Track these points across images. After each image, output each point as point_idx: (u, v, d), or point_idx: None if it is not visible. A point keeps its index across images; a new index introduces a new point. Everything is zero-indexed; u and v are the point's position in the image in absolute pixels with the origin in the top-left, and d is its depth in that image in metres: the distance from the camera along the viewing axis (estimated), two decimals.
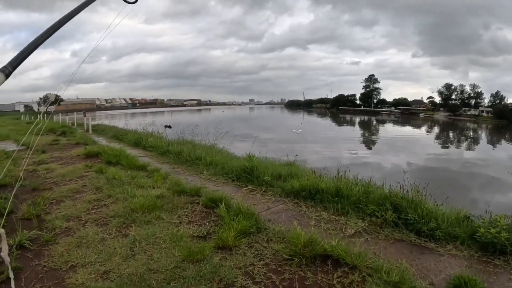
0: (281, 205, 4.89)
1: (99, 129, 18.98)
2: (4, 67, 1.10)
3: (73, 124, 24.92)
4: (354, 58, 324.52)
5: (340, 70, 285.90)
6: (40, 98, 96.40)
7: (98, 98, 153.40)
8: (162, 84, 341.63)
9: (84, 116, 20.45)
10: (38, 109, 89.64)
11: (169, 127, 30.91)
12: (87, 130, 18.82)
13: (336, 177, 5.66)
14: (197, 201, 4.82)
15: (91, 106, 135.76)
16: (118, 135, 14.27)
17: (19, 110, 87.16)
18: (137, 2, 2.18)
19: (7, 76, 1.10)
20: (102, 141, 14.12)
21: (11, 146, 13.62)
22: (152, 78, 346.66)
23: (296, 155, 10.98)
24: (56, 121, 29.29)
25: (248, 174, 6.08)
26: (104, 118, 71.55)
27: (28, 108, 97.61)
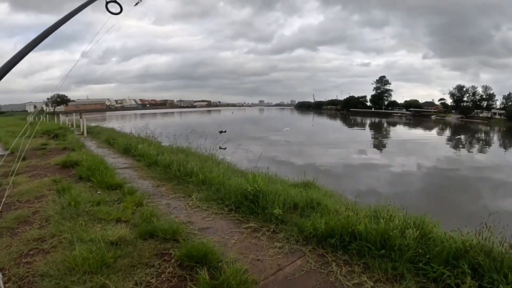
0: (298, 260, 3.25)
1: (95, 132, 17.76)
2: None
3: (72, 125, 23.85)
4: (364, 60, 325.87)
5: (350, 72, 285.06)
6: (48, 99, 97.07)
7: (108, 99, 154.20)
8: (172, 85, 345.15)
9: (81, 118, 19.23)
10: (47, 109, 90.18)
11: (224, 131, 30.12)
12: (83, 133, 17.64)
13: (376, 208, 4.02)
14: (170, 251, 3.27)
15: (101, 107, 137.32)
16: (110, 139, 12.94)
17: (27, 110, 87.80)
18: (121, 13, 2.43)
19: None
20: (92, 146, 12.82)
21: None
22: (162, 79, 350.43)
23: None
24: (57, 122, 28.39)
25: (252, 202, 4.49)
26: (114, 119, 72.85)
27: (37, 108, 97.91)
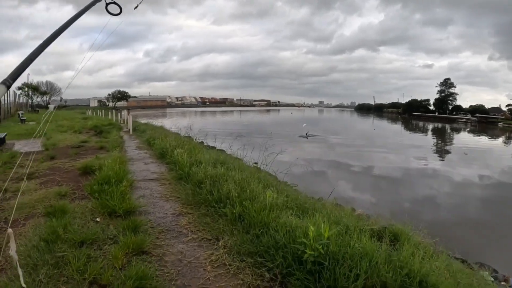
0: None
1: (142, 130, 17.37)
2: (5, 79, 1.26)
3: (123, 121, 24.23)
4: (426, 61, 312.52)
5: (412, 74, 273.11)
6: (109, 94, 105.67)
7: (169, 96, 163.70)
8: (231, 84, 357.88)
9: (128, 114, 19.12)
10: (114, 105, 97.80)
11: (307, 133, 30.70)
12: (130, 130, 17.38)
13: None
14: None
15: (162, 103, 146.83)
16: (151, 139, 12.14)
17: (88, 105, 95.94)
18: (121, 14, 2.71)
19: (8, 87, 1.25)
20: (131, 146, 12.10)
21: (35, 146, 12.51)
22: (221, 78, 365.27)
23: None
24: (110, 117, 29.40)
25: (310, 273, 2.78)
26: (173, 115, 75.95)
27: (101, 103, 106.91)
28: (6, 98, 27.41)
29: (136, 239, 3.54)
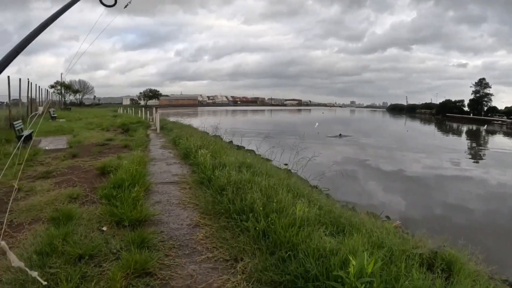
0: None
1: (169, 128, 17.22)
2: None
3: (152, 120, 24.33)
4: (460, 60, 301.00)
5: (446, 73, 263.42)
6: (140, 93, 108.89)
7: (200, 95, 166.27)
8: (262, 83, 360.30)
9: (156, 112, 19.08)
10: (145, 103, 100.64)
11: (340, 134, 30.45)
12: (157, 129, 17.28)
13: None
14: None
15: (193, 102, 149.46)
16: (177, 138, 11.84)
17: (121, 103, 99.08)
18: (116, 5, 2.62)
19: None
20: (156, 145, 11.85)
21: (61, 143, 12.61)
22: (252, 77, 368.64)
23: None
24: (140, 116, 29.74)
25: None
26: (204, 114, 76.49)
27: (133, 101, 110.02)
28: (38, 96, 28.44)
29: (140, 257, 3.05)
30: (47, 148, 11.55)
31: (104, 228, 3.99)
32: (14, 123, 12.54)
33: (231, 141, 17.66)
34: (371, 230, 4.01)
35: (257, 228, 3.62)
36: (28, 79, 22.18)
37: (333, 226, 4.03)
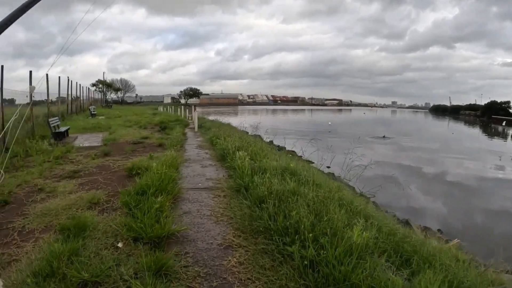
0: None
1: (207, 127, 16.84)
2: None
3: (191, 118, 24.25)
4: (506, 59, 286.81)
5: (491, 72, 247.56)
6: (181, 91, 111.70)
7: (241, 94, 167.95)
8: (302, 82, 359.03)
9: (194, 110, 18.84)
10: (186, 101, 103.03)
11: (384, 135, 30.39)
12: (195, 127, 16.97)
13: None
14: None
15: (233, 101, 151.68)
16: (215, 138, 11.33)
17: (162, 101, 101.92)
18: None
19: None
20: (192, 145, 11.41)
21: (96, 140, 12.57)
22: (292, 77, 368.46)
23: None
24: (179, 114, 29.87)
25: None
26: (244, 113, 76.57)
27: (174, 100, 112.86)
28: (79, 93, 29.37)
29: None
30: (81, 145, 11.49)
31: (119, 245, 3.42)
32: (50, 120, 12.66)
33: (271, 141, 17.12)
34: (443, 262, 3.19)
35: (304, 256, 2.87)
36: (68, 77, 22.86)
37: (396, 255, 3.25)
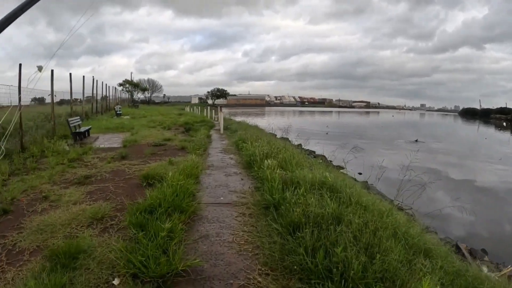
0: None
1: (233, 129, 16.17)
2: None
3: (217, 119, 23.73)
4: None
5: None
6: (208, 92, 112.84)
7: (268, 95, 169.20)
8: (330, 84, 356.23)
9: (220, 111, 18.25)
10: (213, 102, 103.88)
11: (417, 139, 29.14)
12: (220, 129, 16.33)
13: None
14: None
15: (260, 102, 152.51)
16: (241, 141, 10.64)
17: (189, 101, 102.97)
18: None
19: None
20: (216, 148, 10.74)
21: (116, 141, 12.16)
22: (320, 78, 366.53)
23: None
24: (205, 114, 29.48)
25: None
26: (271, 114, 75.91)
27: (201, 100, 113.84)
28: (105, 93, 29.51)
29: None
30: (100, 146, 11.09)
31: (115, 282, 2.72)
32: (69, 119, 12.32)
33: (300, 144, 16.32)
34: None
35: None
36: (93, 76, 22.93)
37: None
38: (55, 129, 12.79)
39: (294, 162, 6.82)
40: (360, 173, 12.14)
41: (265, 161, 6.37)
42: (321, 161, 11.82)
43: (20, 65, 9.93)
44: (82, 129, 12.71)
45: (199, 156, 8.80)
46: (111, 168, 7.50)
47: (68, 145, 10.88)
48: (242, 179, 6.44)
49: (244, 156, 8.27)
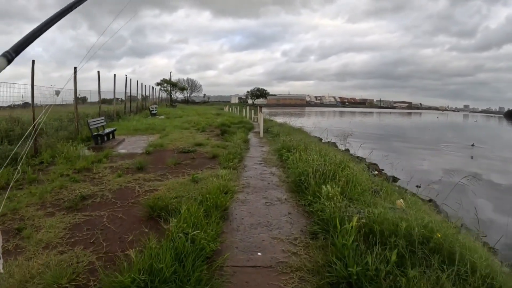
0: None
1: (275, 132, 14.15)
2: (6, 52, 1.15)
3: (257, 120, 21.89)
4: None
5: None
6: (248, 92, 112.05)
7: (308, 95, 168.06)
8: (370, 84, 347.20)
9: (260, 112, 16.37)
10: (252, 102, 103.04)
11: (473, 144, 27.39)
12: (260, 133, 14.39)
13: None
14: None
15: (300, 102, 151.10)
16: (285, 150, 8.76)
17: (229, 101, 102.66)
18: None
19: (9, 61, 1.14)
20: (254, 158, 8.83)
21: (142, 145, 10.67)
22: (360, 78, 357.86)
23: None
24: (244, 115, 27.85)
25: None
26: (312, 114, 73.40)
27: (241, 100, 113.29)
28: (142, 92, 28.71)
29: None
30: (121, 151, 9.64)
31: None
32: (90, 120, 10.95)
33: (347, 149, 14.19)
34: None
35: None
36: (126, 75, 21.97)
37: None
38: (78, 131, 11.50)
39: (360, 188, 4.82)
40: (418, 186, 9.86)
41: (324, 186, 4.40)
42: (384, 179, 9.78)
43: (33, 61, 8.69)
44: (106, 130, 11.34)
45: (233, 169, 7.01)
46: (119, 185, 5.87)
47: (89, 148, 9.54)
48: (289, 213, 4.47)
49: (291, 174, 6.29)
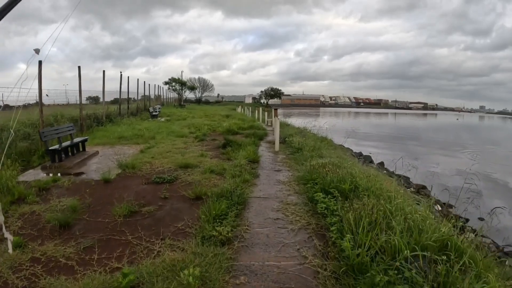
0: None
1: (295, 143, 10.24)
2: None
3: (271, 123, 18.45)
4: None
5: None
6: (261, 92, 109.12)
7: (322, 95, 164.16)
8: (384, 84, 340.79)
9: (275, 116, 12.80)
10: (266, 102, 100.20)
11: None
12: (275, 144, 10.70)
13: None
14: None
15: (315, 102, 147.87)
16: (319, 178, 5.26)
17: (243, 101, 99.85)
18: None
19: None
20: (266, 205, 5.40)
21: (110, 163, 7.43)
22: (374, 78, 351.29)
23: None
24: (256, 117, 24.49)
25: None
26: (327, 115, 69.89)
27: (255, 100, 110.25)
28: (147, 93, 25.89)
29: None
30: (81, 173, 6.57)
31: None
32: (44, 130, 7.75)
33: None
34: None
35: None
36: (120, 72, 19.47)
37: None
38: (42, 142, 8.18)
39: None
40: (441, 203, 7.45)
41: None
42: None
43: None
44: (67, 143, 8.15)
45: (220, 245, 3.64)
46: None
47: (44, 167, 6.50)
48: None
49: (349, 263, 2.90)
